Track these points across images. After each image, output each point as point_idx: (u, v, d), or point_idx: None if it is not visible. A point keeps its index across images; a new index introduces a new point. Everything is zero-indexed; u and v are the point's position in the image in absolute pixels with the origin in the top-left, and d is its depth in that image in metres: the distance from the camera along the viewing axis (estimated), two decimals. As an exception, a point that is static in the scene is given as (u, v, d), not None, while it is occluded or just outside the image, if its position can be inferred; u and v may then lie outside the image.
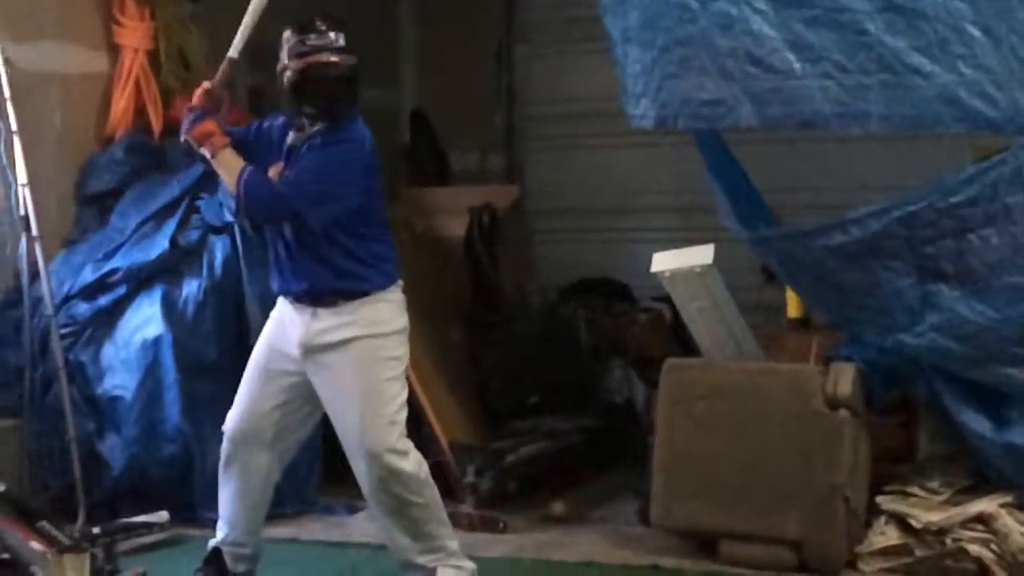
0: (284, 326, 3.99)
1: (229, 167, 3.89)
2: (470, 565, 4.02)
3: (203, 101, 3.94)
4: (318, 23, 3.92)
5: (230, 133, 3.99)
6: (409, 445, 3.93)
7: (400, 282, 4.01)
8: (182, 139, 3.99)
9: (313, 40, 3.89)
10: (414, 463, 3.91)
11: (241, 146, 4.00)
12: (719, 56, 4.35)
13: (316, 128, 3.93)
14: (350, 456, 3.95)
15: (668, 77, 4.47)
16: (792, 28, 4.25)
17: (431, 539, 3.95)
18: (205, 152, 3.93)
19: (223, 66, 4.00)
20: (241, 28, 3.98)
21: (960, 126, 4.10)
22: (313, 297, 3.91)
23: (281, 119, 4.08)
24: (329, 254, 3.88)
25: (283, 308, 4.02)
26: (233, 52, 3.99)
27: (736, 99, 4.34)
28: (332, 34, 3.91)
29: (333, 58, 3.88)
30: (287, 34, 3.94)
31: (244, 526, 4.10)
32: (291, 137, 3.98)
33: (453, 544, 4.00)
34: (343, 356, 3.88)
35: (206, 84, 3.96)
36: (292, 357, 3.95)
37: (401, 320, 3.97)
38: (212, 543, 4.14)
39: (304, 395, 3.99)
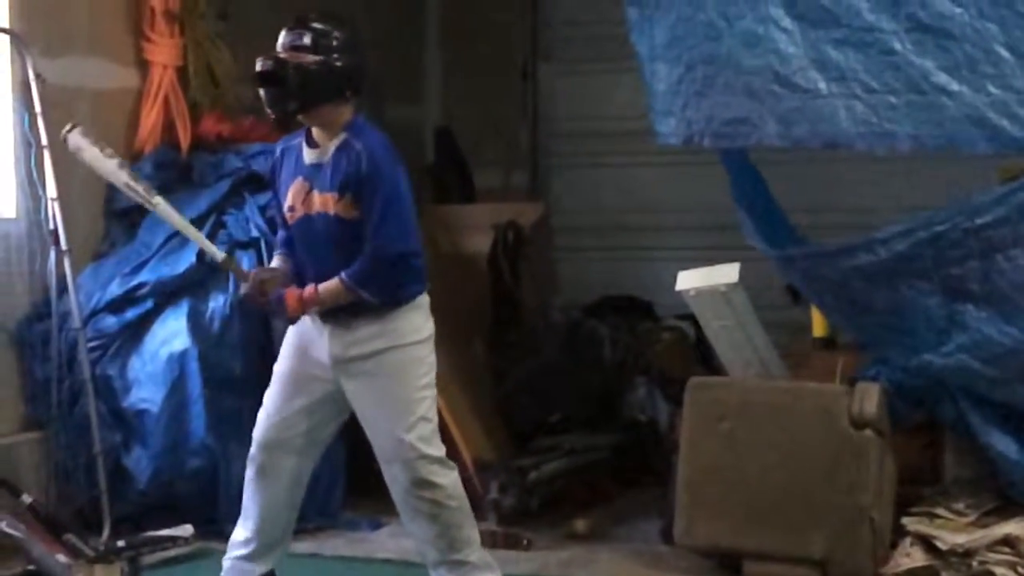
0: (311, 335, 3.98)
1: (334, 294, 3.86)
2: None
3: (264, 290, 3.91)
4: (302, 22, 3.90)
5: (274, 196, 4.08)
6: (443, 451, 3.96)
7: (428, 285, 4.04)
8: (295, 320, 3.97)
9: (280, 40, 3.90)
10: (448, 468, 3.95)
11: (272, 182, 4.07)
12: (744, 75, 4.35)
13: (334, 144, 3.91)
14: (383, 462, 3.97)
15: (693, 95, 4.48)
16: (818, 47, 4.25)
17: (464, 546, 3.95)
18: (311, 309, 3.91)
19: (232, 270, 4.24)
20: (191, 237, 4.12)
21: (988, 146, 4.09)
22: (351, 309, 3.89)
23: (280, 148, 4.07)
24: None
25: (309, 318, 4.00)
26: (217, 256, 4.08)
27: (761, 118, 4.34)
28: (292, 34, 3.88)
29: (284, 55, 3.86)
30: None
31: (271, 535, 4.09)
32: (308, 155, 3.96)
33: (482, 556, 4.02)
34: (378, 366, 3.89)
35: (248, 288, 3.94)
36: (321, 365, 3.96)
37: (430, 326, 4.00)
38: (236, 560, 4.11)
39: (332, 401, 4.01)
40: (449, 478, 3.94)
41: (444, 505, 3.92)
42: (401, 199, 3.88)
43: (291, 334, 4.08)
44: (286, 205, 3.99)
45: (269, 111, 3.94)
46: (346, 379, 3.94)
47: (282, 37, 3.92)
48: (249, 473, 4.07)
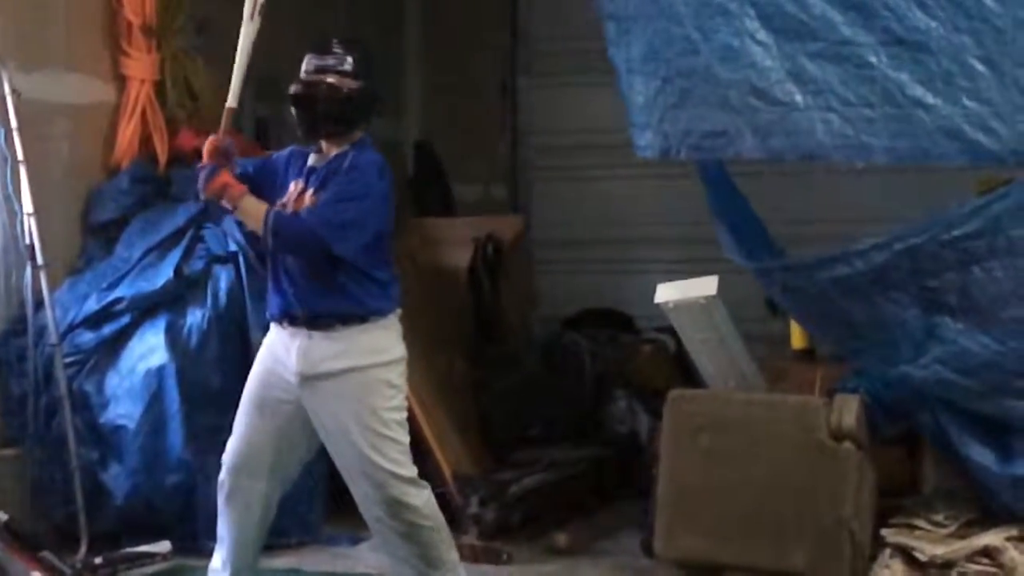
0: (278, 354, 3.99)
1: (252, 212, 3.92)
2: None
3: (212, 156, 3.95)
4: (331, 46, 3.98)
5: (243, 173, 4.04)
6: (415, 471, 3.94)
7: (399, 310, 4.03)
8: (201, 198, 4.01)
9: (314, 62, 3.95)
10: (421, 487, 3.93)
11: (245, 181, 4.03)
12: (721, 88, 4.36)
13: (336, 152, 3.98)
14: (350, 482, 3.95)
15: (671, 108, 4.48)
16: (795, 60, 4.27)
17: (441, 565, 3.94)
18: (225, 204, 3.95)
19: (224, 117, 4.04)
20: (235, 76, 4.02)
21: (963, 159, 4.10)
22: (311, 320, 3.91)
23: (289, 149, 4.13)
24: (334, 277, 3.90)
25: (276, 335, 4.02)
26: (232, 101, 4.03)
27: (738, 130, 4.35)
28: (333, 57, 3.95)
29: (330, 79, 3.92)
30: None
31: (244, 558, 4.09)
32: (312, 159, 4.04)
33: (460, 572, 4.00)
34: (342, 385, 3.88)
35: (212, 138, 3.97)
36: (288, 384, 3.95)
37: (399, 349, 3.98)
38: None
39: (302, 420, 3.99)
40: (422, 498, 3.91)
41: (418, 525, 3.90)
42: (364, 202, 3.88)
43: (261, 354, 4.08)
44: (279, 203, 4.01)
45: (309, 131, 3.96)
46: (311, 396, 3.93)
47: (320, 60, 3.94)
48: (220, 498, 4.07)
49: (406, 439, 3.94)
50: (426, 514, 3.91)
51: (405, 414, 3.97)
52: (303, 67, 3.99)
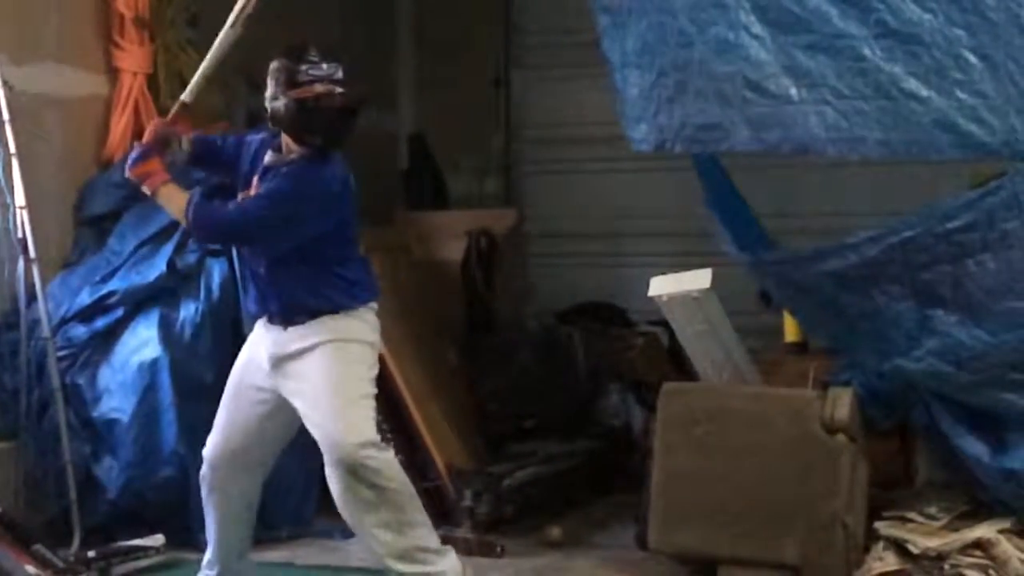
0: (254, 344, 4.07)
1: (172, 199, 3.96)
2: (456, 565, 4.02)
3: (151, 139, 3.99)
4: (311, 52, 3.92)
5: (203, 144, 4.08)
6: (377, 437, 3.95)
7: (374, 305, 4.06)
8: (126, 174, 4.04)
9: (310, 70, 3.89)
10: (381, 449, 3.95)
11: (211, 154, 4.07)
12: (716, 81, 4.36)
13: (294, 155, 3.95)
14: (327, 465, 3.96)
15: (665, 101, 4.48)
16: (789, 53, 4.27)
17: (410, 529, 3.93)
18: (145, 189, 3.99)
19: (175, 108, 4.07)
20: (198, 72, 4.03)
21: (956, 152, 4.11)
22: (284, 315, 3.97)
23: (262, 135, 4.10)
24: (301, 275, 3.94)
25: (256, 328, 4.09)
26: (186, 96, 4.05)
27: (733, 123, 4.35)
28: (327, 65, 3.91)
29: (338, 89, 3.89)
30: (279, 63, 3.93)
31: (229, 553, 4.13)
32: (269, 157, 4.02)
33: (435, 542, 4.01)
34: (309, 360, 3.93)
35: (156, 121, 4.02)
36: (264, 373, 4.02)
37: (370, 335, 4.02)
38: None
39: (278, 408, 4.03)
40: (383, 459, 3.93)
41: (383, 488, 3.90)
42: (296, 204, 3.88)
43: (242, 352, 4.14)
44: (241, 195, 4.03)
45: (311, 142, 3.91)
46: (283, 380, 3.98)
47: (315, 70, 3.87)
48: (203, 493, 4.11)
49: (370, 410, 3.96)
50: (389, 476, 3.92)
51: (372, 393, 3.98)
52: (285, 76, 3.87)
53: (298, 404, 3.97)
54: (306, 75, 3.88)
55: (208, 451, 4.09)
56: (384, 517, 3.92)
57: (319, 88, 3.88)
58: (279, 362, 3.97)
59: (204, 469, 4.09)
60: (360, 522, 3.97)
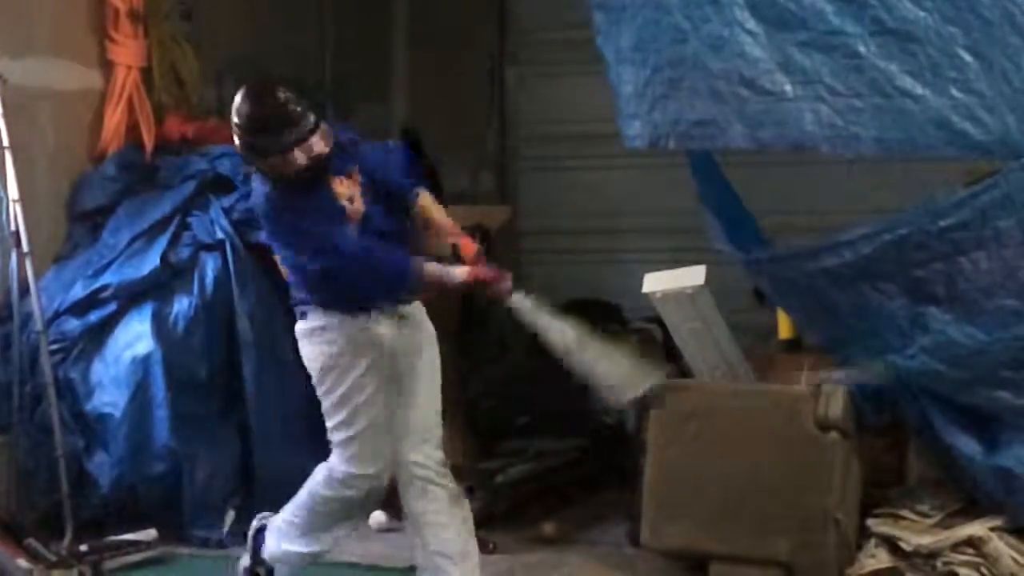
0: (376, 347, 4.04)
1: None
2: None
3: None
4: (275, 110, 3.73)
5: None
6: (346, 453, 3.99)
7: (335, 312, 4.07)
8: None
9: (279, 140, 3.71)
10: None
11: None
12: (710, 77, 4.36)
13: None
14: None
15: (660, 98, 4.48)
16: (784, 50, 4.27)
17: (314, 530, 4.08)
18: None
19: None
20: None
21: (951, 150, 4.11)
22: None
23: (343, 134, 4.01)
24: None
25: (369, 327, 4.02)
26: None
27: (727, 120, 4.35)
28: (295, 114, 3.71)
29: (313, 143, 3.75)
30: (242, 141, 3.76)
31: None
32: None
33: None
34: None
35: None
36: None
37: (329, 345, 4.02)
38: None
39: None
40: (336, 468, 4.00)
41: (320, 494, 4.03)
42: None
43: (361, 361, 4.06)
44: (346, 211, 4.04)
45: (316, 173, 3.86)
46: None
47: (289, 133, 3.72)
48: (353, 502, 4.10)
49: (337, 423, 3.96)
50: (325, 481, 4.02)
51: (333, 400, 3.95)
52: (266, 142, 3.72)
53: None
54: (276, 145, 3.71)
55: (380, 470, 4.04)
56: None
57: (299, 160, 3.73)
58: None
59: (369, 483, 4.02)
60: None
